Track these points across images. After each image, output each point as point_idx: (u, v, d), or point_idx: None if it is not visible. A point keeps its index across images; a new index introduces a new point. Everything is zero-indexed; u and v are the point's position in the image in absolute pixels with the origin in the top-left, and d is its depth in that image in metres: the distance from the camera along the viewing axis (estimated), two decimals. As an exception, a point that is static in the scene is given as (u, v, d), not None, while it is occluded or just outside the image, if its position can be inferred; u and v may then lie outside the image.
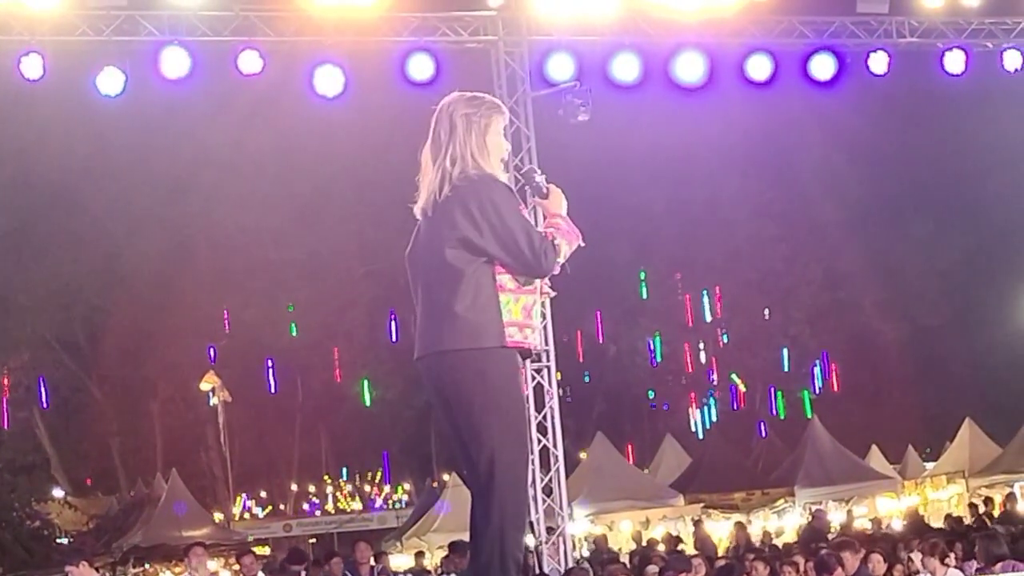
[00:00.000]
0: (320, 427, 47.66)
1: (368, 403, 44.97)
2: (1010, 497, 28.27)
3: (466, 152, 5.60)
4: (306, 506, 48.82)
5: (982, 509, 26.89)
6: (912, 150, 39.54)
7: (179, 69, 17.27)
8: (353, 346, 43.33)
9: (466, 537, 5.79)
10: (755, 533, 27.57)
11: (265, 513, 48.00)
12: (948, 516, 26.36)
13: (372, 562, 18.20)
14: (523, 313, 5.54)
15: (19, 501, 31.00)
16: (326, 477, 50.62)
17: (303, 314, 41.97)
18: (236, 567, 19.02)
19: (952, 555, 14.71)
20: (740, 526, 26.47)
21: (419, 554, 26.24)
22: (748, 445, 39.83)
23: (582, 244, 5.77)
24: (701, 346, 47.31)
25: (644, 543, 25.71)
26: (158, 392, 43.43)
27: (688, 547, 25.28)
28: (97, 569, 14.06)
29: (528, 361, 17.66)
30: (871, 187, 41.13)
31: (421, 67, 17.92)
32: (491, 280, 5.49)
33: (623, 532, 28.16)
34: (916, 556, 14.79)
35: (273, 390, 45.04)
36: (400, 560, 26.86)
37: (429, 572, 22.95)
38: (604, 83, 18.95)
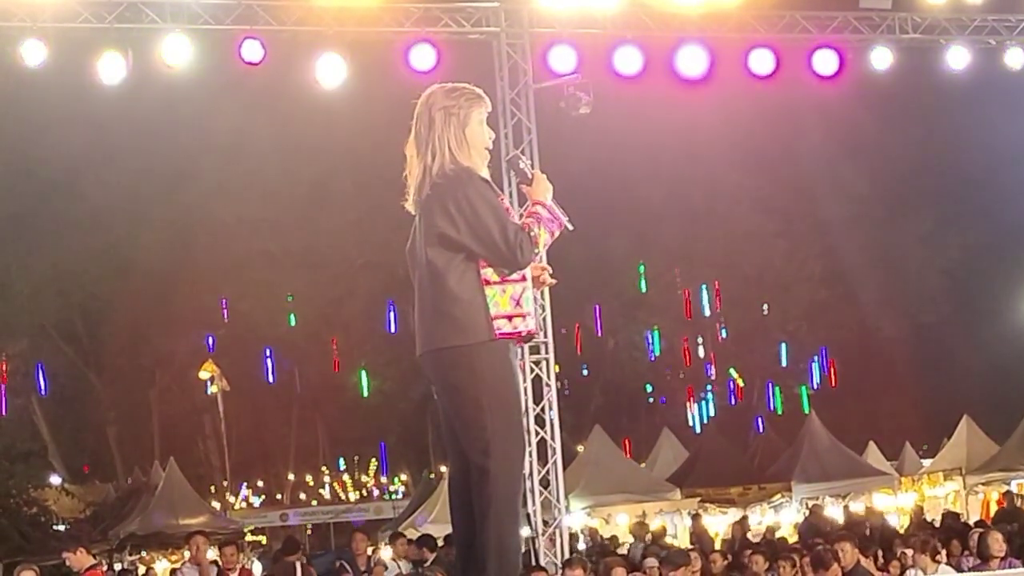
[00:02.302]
0: (317, 417, 47.73)
1: (366, 394, 44.99)
2: (1007, 495, 28.28)
3: (444, 146, 5.60)
4: (303, 495, 48.92)
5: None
6: (913, 146, 39.54)
7: (180, 57, 17.24)
8: (351, 337, 43.34)
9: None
10: (751, 527, 27.57)
11: (262, 502, 48.09)
12: (945, 513, 26.34)
13: (369, 552, 18.21)
14: (512, 303, 5.53)
15: (16, 488, 30.98)
16: (323, 468, 50.70)
17: (301, 304, 41.99)
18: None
19: (944, 552, 14.75)
20: (738, 523, 26.48)
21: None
22: (745, 440, 39.89)
23: (570, 228, 5.76)
24: (699, 340, 47.34)
25: (643, 536, 25.68)
26: (156, 380, 43.48)
27: (682, 541, 25.30)
28: (94, 556, 14.03)
29: (527, 353, 17.52)
30: (872, 183, 41.12)
31: (423, 58, 17.89)
32: (475, 275, 5.51)
33: (620, 525, 28.17)
34: (909, 552, 14.84)
35: (271, 380, 45.09)
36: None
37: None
38: (606, 76, 18.93)
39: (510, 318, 5.52)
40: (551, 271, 5.90)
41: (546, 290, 5.21)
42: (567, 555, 18.27)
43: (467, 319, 5.46)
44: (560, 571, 15.54)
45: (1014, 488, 28.54)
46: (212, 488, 42.89)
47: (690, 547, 20.06)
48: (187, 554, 26.39)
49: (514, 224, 5.53)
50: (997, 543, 12.74)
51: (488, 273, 5.51)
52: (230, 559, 15.41)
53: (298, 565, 16.89)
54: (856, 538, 13.63)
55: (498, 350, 5.50)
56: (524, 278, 5.59)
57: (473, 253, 5.49)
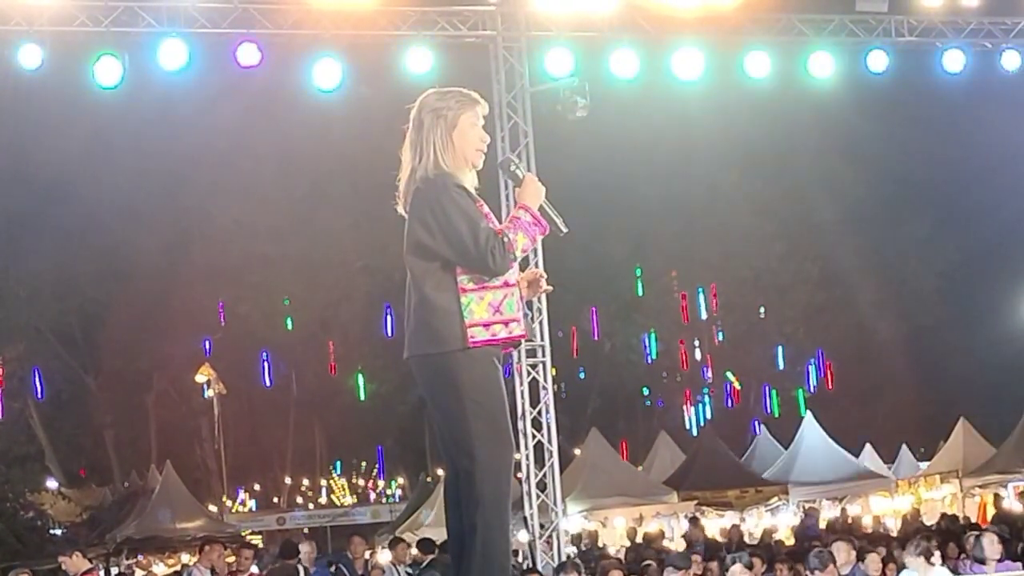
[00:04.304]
0: (314, 421, 47.69)
1: (362, 397, 44.99)
2: (995, 497, 28.31)
3: (430, 150, 5.60)
4: (299, 499, 48.88)
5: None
6: (910, 149, 39.56)
7: (177, 61, 17.24)
8: (348, 340, 43.34)
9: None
10: (748, 531, 27.55)
11: (258, 506, 48.04)
12: (943, 515, 26.38)
13: (366, 556, 18.24)
14: (490, 311, 5.50)
15: (13, 492, 31.01)
16: (320, 471, 50.66)
17: (298, 308, 42.00)
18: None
19: (937, 554, 14.72)
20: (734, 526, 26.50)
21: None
22: (742, 443, 39.88)
23: (564, 231, 5.72)
24: (696, 343, 47.37)
25: (639, 539, 25.69)
26: (153, 384, 43.46)
27: (679, 544, 25.27)
28: (90, 560, 14.03)
29: (523, 356, 17.42)
30: (868, 186, 41.17)
31: (419, 61, 17.91)
32: (452, 282, 5.49)
33: (617, 528, 28.16)
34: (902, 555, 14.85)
35: (268, 383, 45.07)
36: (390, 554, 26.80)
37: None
38: (603, 79, 18.94)
39: (487, 326, 5.48)
40: (546, 277, 5.86)
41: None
42: (564, 558, 18.27)
43: (442, 327, 5.45)
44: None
45: (1011, 491, 28.55)
46: (209, 492, 42.85)
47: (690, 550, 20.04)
48: (185, 557, 26.43)
49: (487, 229, 5.47)
50: (992, 545, 12.73)
51: (464, 280, 5.48)
52: (244, 563, 15.71)
53: (300, 568, 16.92)
54: (853, 539, 13.62)
55: (475, 357, 5.47)
56: (507, 284, 5.55)
57: (449, 261, 5.47)
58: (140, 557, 30.37)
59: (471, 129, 5.68)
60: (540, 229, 5.63)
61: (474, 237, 5.41)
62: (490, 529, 5.48)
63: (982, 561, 12.80)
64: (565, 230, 5.74)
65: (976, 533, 14.82)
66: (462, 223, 5.44)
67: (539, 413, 18.48)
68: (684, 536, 25.51)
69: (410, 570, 17.91)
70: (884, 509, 29.93)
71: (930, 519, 26.78)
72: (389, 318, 41.50)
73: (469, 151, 5.67)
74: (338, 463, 51.46)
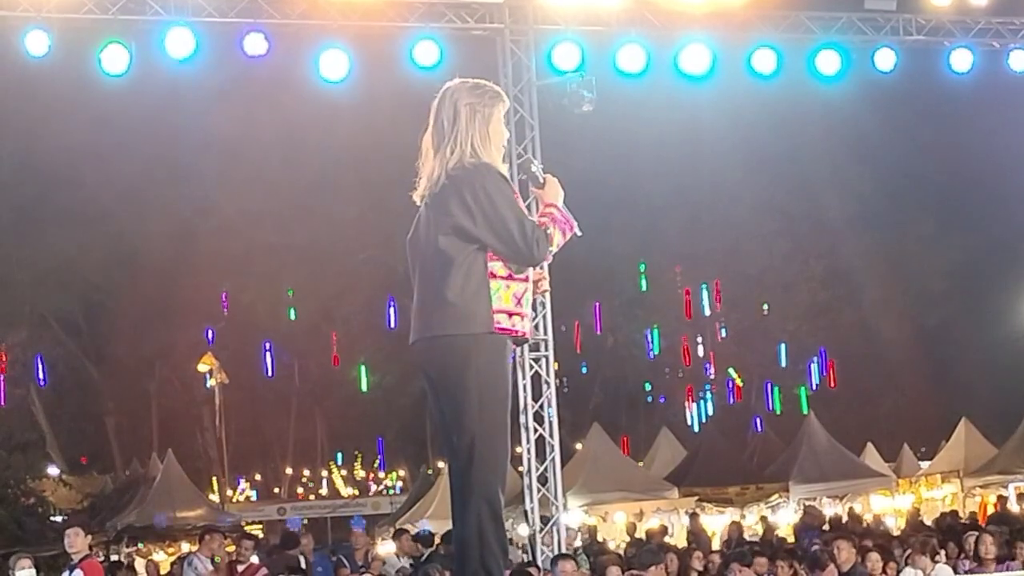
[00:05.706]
0: (316, 412, 47.72)
1: (365, 389, 45.01)
2: (1000, 499, 28.30)
3: (467, 141, 5.63)
4: (300, 490, 48.94)
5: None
6: (916, 148, 39.53)
7: (184, 49, 17.22)
8: (351, 331, 43.36)
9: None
10: (749, 527, 27.58)
11: (259, 496, 48.09)
12: (942, 515, 26.37)
13: (367, 547, 18.29)
14: (513, 300, 5.56)
15: (14, 478, 31.02)
16: (321, 462, 50.71)
17: (302, 298, 42.02)
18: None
19: (942, 552, 14.76)
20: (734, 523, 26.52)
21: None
22: (743, 440, 39.91)
23: (578, 234, 5.79)
24: (699, 339, 47.36)
25: (637, 535, 25.71)
26: (155, 372, 43.50)
27: (679, 540, 25.31)
28: (91, 547, 14.01)
29: (526, 350, 17.43)
30: (874, 184, 41.14)
31: (426, 54, 17.89)
32: (483, 267, 5.52)
33: (617, 523, 28.18)
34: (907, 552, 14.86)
35: (270, 373, 45.09)
36: (392, 546, 26.82)
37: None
38: (609, 73, 18.92)
39: (510, 315, 5.54)
40: (547, 279, 5.97)
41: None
42: (569, 551, 18.26)
43: (469, 309, 5.48)
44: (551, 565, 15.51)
45: (1012, 491, 28.56)
46: (210, 481, 42.90)
47: (689, 546, 20.05)
48: (185, 546, 26.42)
49: (531, 220, 5.56)
50: (993, 545, 12.74)
51: (495, 267, 5.53)
52: (244, 553, 15.81)
53: (301, 558, 17.00)
54: (854, 537, 13.63)
55: (495, 344, 5.52)
56: (527, 279, 5.62)
57: (485, 246, 5.51)
58: (140, 545, 30.39)
59: (499, 125, 5.75)
60: (569, 227, 5.72)
61: (521, 227, 5.49)
62: (483, 516, 5.49)
63: (981, 561, 12.81)
64: (580, 233, 5.80)
65: (976, 533, 14.84)
66: (508, 212, 5.50)
67: (541, 407, 18.46)
68: (687, 530, 25.52)
69: (411, 562, 17.91)
70: (884, 508, 29.94)
71: (929, 518, 26.77)
72: (392, 310, 41.48)
73: (500, 146, 5.73)
74: (339, 454, 51.50)
